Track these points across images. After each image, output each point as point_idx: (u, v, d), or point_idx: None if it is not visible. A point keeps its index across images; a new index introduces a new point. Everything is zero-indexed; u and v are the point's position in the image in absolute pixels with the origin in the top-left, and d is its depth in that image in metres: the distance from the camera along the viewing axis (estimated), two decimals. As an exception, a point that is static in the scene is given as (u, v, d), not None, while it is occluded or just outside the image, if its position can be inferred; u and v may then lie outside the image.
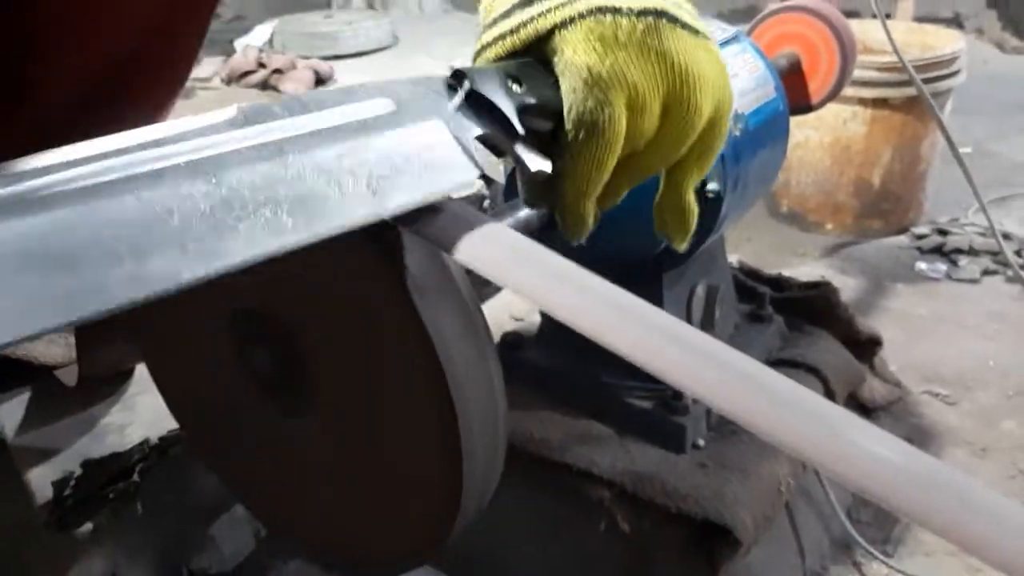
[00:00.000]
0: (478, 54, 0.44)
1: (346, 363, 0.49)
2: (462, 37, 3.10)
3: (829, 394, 0.87)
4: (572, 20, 0.40)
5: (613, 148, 0.41)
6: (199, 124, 0.32)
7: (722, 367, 0.29)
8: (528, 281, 0.34)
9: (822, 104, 0.87)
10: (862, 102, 1.49)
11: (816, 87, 0.86)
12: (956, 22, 2.97)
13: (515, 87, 0.40)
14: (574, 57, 0.40)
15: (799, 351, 0.89)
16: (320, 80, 2.68)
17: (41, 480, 0.83)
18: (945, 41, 1.56)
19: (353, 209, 0.32)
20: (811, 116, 0.91)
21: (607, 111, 0.40)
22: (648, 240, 0.48)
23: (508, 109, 0.39)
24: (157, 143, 0.30)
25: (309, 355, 0.50)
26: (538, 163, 0.40)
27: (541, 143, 0.40)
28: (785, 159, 0.82)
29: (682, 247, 0.48)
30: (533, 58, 0.42)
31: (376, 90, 0.37)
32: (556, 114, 0.41)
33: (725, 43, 0.75)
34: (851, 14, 1.15)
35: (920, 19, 2.30)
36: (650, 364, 0.30)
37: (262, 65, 2.72)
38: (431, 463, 0.46)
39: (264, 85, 2.67)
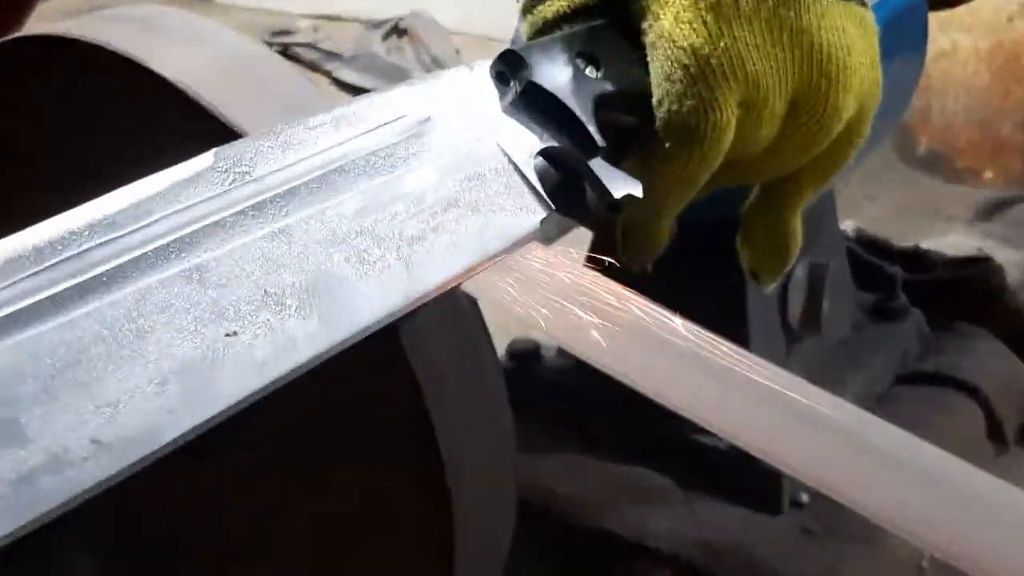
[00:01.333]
0: (527, 9, 0.39)
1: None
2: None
3: (991, 420, 0.79)
4: None
5: (711, 163, 0.37)
6: (161, 186, 0.27)
7: (828, 435, 0.30)
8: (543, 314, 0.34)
9: (976, -8, 0.78)
10: (1037, -11, 1.39)
11: (967, -33, 0.78)
12: None
13: (589, 70, 0.36)
14: (674, 31, 0.36)
15: (947, 360, 0.82)
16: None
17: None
18: None
19: (381, 294, 0.29)
20: (960, 10, 0.82)
21: (712, 117, 0.36)
22: (727, 195, 0.42)
23: (583, 110, 0.34)
24: (111, 226, 0.26)
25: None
26: (625, 186, 0.34)
27: (619, 140, 0.36)
28: (922, 75, 0.74)
29: (769, 287, 0.46)
30: (610, 18, 0.38)
31: (401, 97, 0.33)
32: (643, 102, 0.37)
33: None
34: None
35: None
36: (722, 429, 0.32)
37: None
38: (419, 553, 0.46)
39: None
